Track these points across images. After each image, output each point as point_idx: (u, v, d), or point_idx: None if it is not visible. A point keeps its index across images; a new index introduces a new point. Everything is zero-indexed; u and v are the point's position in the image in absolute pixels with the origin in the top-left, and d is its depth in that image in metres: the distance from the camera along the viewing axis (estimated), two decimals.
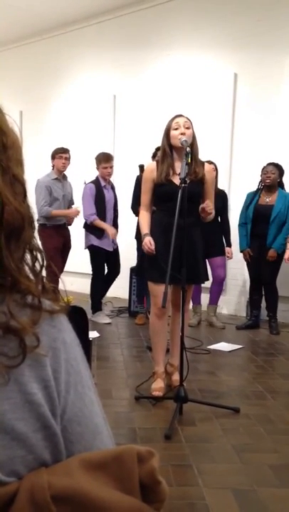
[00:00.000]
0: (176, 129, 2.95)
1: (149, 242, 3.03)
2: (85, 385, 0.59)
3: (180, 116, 3.02)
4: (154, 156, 4.50)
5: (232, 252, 5.00)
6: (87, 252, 5.07)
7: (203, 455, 2.35)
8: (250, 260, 4.81)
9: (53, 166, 4.98)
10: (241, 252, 4.88)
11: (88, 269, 5.15)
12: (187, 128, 2.95)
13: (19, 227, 0.54)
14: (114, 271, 5.14)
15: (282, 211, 4.62)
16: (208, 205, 2.92)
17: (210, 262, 4.82)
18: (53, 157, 4.96)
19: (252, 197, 4.80)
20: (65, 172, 5.05)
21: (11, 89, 7.44)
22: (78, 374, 0.58)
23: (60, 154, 4.92)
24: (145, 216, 3.15)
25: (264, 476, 2.17)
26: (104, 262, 5.04)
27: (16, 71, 7.60)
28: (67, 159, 4.97)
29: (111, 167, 4.94)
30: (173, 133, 2.96)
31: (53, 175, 4.97)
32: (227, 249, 4.97)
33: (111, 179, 5.12)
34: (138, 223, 3.62)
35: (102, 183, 4.98)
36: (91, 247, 4.98)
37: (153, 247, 3.01)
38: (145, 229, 3.12)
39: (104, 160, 4.90)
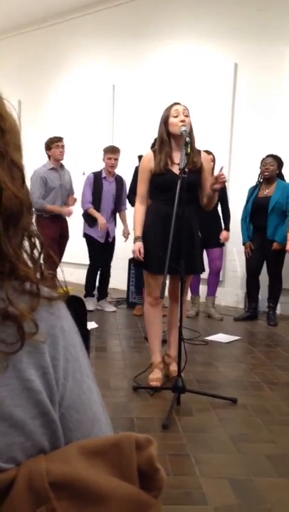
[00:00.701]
0: (176, 116, 2.91)
1: (138, 249, 2.99)
2: (84, 372, 0.59)
3: (178, 103, 2.99)
4: (153, 146, 4.47)
5: (227, 236, 4.87)
6: (85, 243, 5.11)
7: (200, 445, 2.37)
8: (251, 253, 4.80)
9: (49, 156, 4.93)
10: (243, 245, 4.87)
11: (87, 260, 5.17)
12: (186, 116, 2.91)
13: (17, 212, 0.53)
14: (104, 263, 5.15)
15: (280, 201, 4.60)
16: (222, 172, 2.80)
17: (208, 253, 4.83)
18: (49, 147, 4.89)
19: (252, 191, 4.80)
20: (62, 161, 5.01)
21: (9, 78, 7.38)
22: (77, 361, 0.58)
23: (57, 143, 4.87)
24: (140, 211, 3.06)
25: (261, 466, 2.18)
26: (98, 250, 5.06)
27: (14, 60, 7.54)
28: (64, 147, 4.94)
29: (115, 159, 4.93)
30: (172, 120, 2.92)
31: (50, 165, 4.92)
32: (224, 232, 4.84)
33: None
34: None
35: (104, 175, 4.97)
36: (84, 235, 5.09)
37: (142, 256, 2.99)
38: (138, 231, 3.04)
39: (110, 151, 4.93)
